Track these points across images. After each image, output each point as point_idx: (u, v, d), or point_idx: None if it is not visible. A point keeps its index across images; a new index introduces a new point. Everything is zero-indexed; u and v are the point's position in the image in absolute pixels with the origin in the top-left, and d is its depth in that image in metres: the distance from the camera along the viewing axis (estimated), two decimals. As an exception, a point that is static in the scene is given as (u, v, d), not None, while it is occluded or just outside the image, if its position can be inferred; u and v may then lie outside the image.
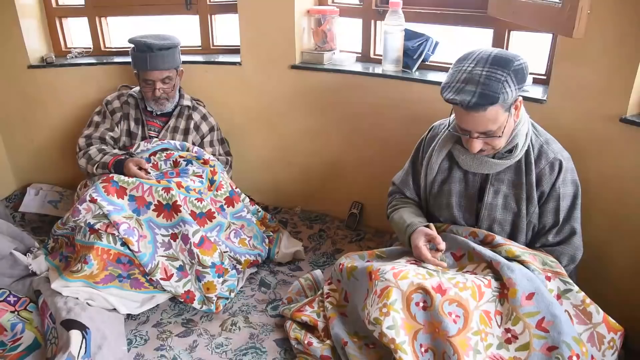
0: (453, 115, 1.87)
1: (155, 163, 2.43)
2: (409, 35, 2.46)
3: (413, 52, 2.46)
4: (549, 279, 1.68)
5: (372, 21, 2.60)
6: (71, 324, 1.92)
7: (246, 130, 2.87)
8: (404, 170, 2.07)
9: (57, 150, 3.13)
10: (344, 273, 1.94)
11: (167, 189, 2.21)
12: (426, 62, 2.51)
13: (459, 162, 1.83)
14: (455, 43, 2.85)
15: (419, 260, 1.78)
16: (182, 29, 2.90)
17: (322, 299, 2.05)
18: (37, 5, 2.91)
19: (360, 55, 2.70)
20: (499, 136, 1.67)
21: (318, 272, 2.29)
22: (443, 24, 2.46)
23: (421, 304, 1.63)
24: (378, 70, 2.54)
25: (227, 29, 3.01)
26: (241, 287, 2.35)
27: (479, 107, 1.59)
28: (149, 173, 2.36)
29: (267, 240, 2.52)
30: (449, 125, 1.83)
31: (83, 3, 2.94)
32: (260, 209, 2.62)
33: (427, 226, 1.83)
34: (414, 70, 2.47)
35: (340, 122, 2.68)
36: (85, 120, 2.94)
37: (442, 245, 1.76)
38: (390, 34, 2.41)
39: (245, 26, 2.64)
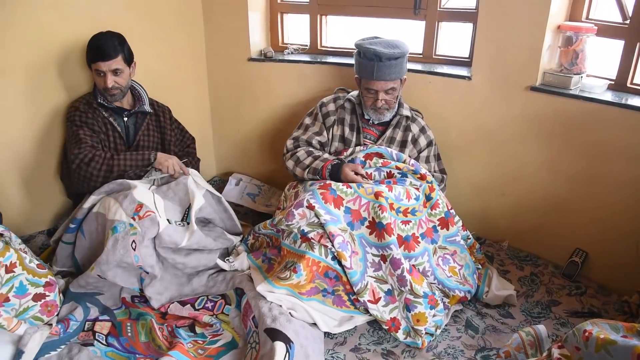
0: None
1: (369, 173, 2.29)
2: (690, 65, 2.05)
3: (692, 87, 2.05)
4: None
5: (639, 44, 2.21)
6: (276, 335, 1.84)
7: (462, 150, 2.63)
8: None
9: (258, 144, 3.16)
10: (591, 343, 1.62)
11: (382, 208, 2.06)
12: None
13: None
14: None
15: None
16: (396, 32, 2.72)
17: (549, 364, 1.76)
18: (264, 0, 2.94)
19: (613, 82, 2.32)
20: None
21: (542, 328, 1.98)
22: None
23: None
24: (637, 102, 2.16)
25: (448, 38, 2.79)
26: (445, 325, 2.12)
27: None
28: (368, 179, 2.23)
29: (477, 274, 2.27)
30: None
31: (307, 0, 2.90)
32: (470, 236, 2.37)
33: None
34: (690, 109, 2.05)
35: (575, 157, 2.33)
36: (291, 118, 2.94)
37: None
38: (668, 63, 2.02)
39: (484, 38, 2.40)
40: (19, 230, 2.09)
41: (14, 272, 1.82)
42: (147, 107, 2.49)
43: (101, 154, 2.26)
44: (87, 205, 2.22)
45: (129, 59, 2.37)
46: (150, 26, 2.67)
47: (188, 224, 2.23)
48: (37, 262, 1.93)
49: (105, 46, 2.26)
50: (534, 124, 2.39)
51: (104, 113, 2.38)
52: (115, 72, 2.30)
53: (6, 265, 1.79)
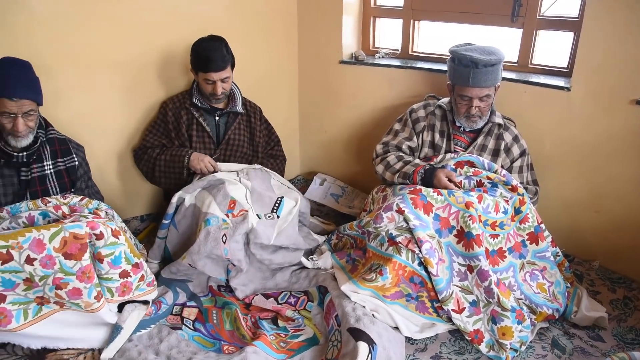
0: None
1: (460, 181, 2.26)
2: None
3: None
4: None
5: None
6: (359, 335, 1.86)
7: (555, 164, 2.53)
8: None
9: (344, 146, 3.19)
10: (697, 375, 1.53)
11: (473, 218, 2.03)
12: None
13: None
14: None
15: None
16: (488, 39, 2.65)
17: (645, 392, 1.67)
18: (358, 3, 2.97)
19: None
20: None
21: (638, 356, 1.88)
22: None
23: None
24: None
25: (543, 46, 2.70)
26: (530, 342, 2.06)
27: None
28: (459, 188, 2.21)
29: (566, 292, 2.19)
30: None
31: (402, 5, 2.90)
32: (560, 253, 2.29)
33: None
34: None
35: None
36: (379, 122, 2.95)
37: None
38: None
39: (587, 48, 2.30)
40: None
41: (118, 239, 1.83)
42: (239, 108, 2.58)
43: (151, 153, 2.46)
44: (174, 200, 2.31)
45: (233, 64, 2.47)
46: (247, 27, 2.77)
47: (278, 217, 2.29)
48: (137, 242, 2.01)
49: (217, 57, 2.35)
50: (636, 139, 2.28)
51: (194, 113, 2.50)
52: (224, 79, 2.41)
53: (112, 228, 1.82)
